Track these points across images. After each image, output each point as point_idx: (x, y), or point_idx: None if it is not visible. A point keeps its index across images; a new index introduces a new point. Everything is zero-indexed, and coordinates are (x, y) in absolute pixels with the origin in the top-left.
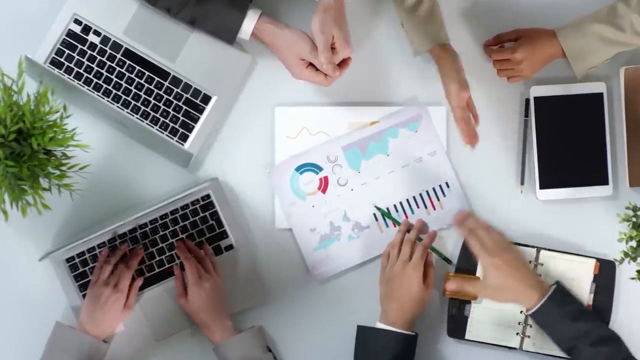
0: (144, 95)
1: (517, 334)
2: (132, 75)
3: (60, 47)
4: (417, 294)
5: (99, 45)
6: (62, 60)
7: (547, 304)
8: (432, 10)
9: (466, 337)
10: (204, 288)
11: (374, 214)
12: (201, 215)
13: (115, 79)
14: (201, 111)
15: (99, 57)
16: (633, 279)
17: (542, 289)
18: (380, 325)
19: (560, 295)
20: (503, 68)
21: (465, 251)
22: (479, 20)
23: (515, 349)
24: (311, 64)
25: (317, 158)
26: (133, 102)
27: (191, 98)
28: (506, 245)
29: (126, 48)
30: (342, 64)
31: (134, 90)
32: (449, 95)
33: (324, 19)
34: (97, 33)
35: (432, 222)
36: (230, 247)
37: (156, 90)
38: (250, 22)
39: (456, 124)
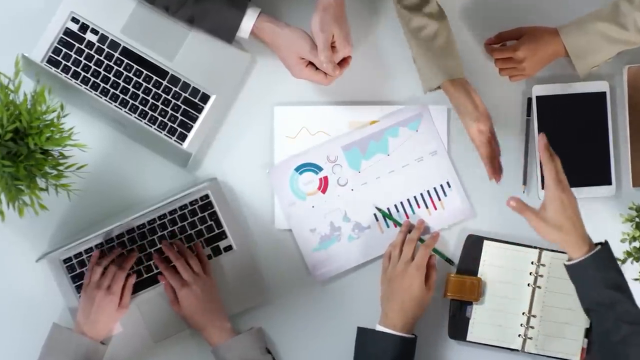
0: (141, 94)
1: (519, 335)
2: (130, 74)
3: (58, 45)
4: (419, 295)
5: (97, 44)
6: (59, 59)
7: (589, 260)
8: (448, 43)
9: (467, 339)
10: (193, 291)
11: (375, 214)
12: (200, 215)
13: (112, 78)
14: (200, 110)
15: (96, 56)
16: (636, 279)
17: (591, 245)
18: (379, 328)
19: (605, 257)
20: (505, 67)
21: (467, 252)
22: (480, 18)
23: (517, 350)
24: (311, 63)
25: (317, 158)
26: (131, 101)
27: (190, 97)
28: (572, 191)
29: (124, 47)
30: (342, 62)
31: (131, 89)
32: (468, 132)
33: (323, 17)
34: (94, 31)
35: (433, 222)
36: (229, 247)
37: (154, 89)
38: (249, 21)
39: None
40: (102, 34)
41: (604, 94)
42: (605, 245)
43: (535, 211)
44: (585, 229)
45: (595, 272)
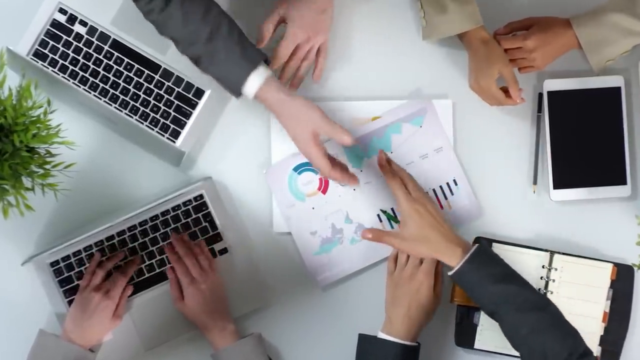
0: (132, 90)
1: None
2: (121, 68)
3: (44, 38)
4: (426, 302)
5: (85, 36)
6: (45, 52)
7: (468, 263)
8: None
9: (475, 346)
10: (200, 289)
11: (378, 215)
12: (194, 216)
13: (102, 72)
14: (194, 106)
15: (85, 49)
16: None
17: (465, 247)
18: (381, 335)
19: (482, 256)
20: (514, 57)
21: None
22: (489, 8)
23: None
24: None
25: None
26: (121, 97)
27: (183, 92)
28: (428, 197)
29: (114, 39)
30: (318, 53)
31: (122, 84)
32: (487, 80)
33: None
34: (83, 23)
35: None
36: (224, 250)
37: (146, 84)
38: (254, 84)
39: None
40: (91, 25)
41: (618, 89)
42: (480, 242)
43: (395, 232)
44: (453, 232)
45: (479, 272)
